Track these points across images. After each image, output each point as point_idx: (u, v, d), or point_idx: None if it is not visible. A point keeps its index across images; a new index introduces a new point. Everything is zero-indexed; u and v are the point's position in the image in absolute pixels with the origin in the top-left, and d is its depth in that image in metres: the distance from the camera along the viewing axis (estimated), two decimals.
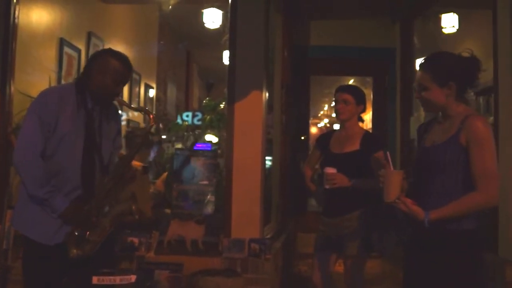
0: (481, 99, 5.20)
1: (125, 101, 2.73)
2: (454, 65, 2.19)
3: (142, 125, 6.55)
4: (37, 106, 2.40)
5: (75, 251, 2.36)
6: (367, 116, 6.70)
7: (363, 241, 3.06)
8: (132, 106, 3.59)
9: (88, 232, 2.39)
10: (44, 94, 2.47)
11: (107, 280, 2.20)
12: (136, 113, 6.31)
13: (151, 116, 2.59)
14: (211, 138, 5.56)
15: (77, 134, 2.43)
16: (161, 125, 7.06)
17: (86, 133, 2.45)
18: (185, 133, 5.79)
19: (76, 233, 2.37)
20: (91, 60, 2.54)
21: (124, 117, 5.90)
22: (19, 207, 2.47)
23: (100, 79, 2.45)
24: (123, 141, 2.96)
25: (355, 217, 3.09)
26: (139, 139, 2.58)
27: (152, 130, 2.63)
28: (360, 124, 3.32)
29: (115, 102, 2.65)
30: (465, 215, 2.13)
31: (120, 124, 2.80)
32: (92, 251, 2.40)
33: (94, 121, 2.49)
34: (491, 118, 4.08)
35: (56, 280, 2.43)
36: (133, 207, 2.49)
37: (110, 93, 2.49)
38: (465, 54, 2.22)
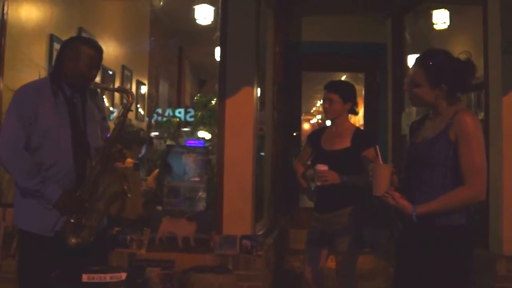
0: (472, 95, 5.23)
1: (101, 84, 2.72)
2: (448, 69, 2.17)
3: (134, 121, 6.52)
4: (14, 103, 2.42)
5: (73, 239, 2.36)
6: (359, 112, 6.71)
7: (355, 237, 3.07)
8: (109, 87, 3.59)
9: (83, 219, 2.39)
10: (19, 90, 2.47)
11: (97, 278, 2.18)
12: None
13: (130, 94, 2.59)
14: (203, 134, 5.55)
15: (62, 125, 2.42)
16: (153, 122, 7.03)
17: (71, 121, 2.45)
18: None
19: (72, 221, 2.37)
20: (61, 50, 2.53)
21: (115, 114, 5.87)
22: (16, 205, 2.47)
23: (74, 66, 2.45)
24: None
25: (347, 213, 3.09)
26: (122, 117, 2.54)
27: (132, 108, 2.59)
28: (354, 117, 3.30)
29: (92, 86, 2.64)
30: (453, 209, 2.14)
31: (103, 108, 2.79)
32: (91, 237, 2.40)
33: (76, 108, 2.50)
34: (482, 114, 4.10)
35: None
36: (125, 187, 2.49)
37: (85, 78, 2.50)
38: (463, 56, 2.20)
